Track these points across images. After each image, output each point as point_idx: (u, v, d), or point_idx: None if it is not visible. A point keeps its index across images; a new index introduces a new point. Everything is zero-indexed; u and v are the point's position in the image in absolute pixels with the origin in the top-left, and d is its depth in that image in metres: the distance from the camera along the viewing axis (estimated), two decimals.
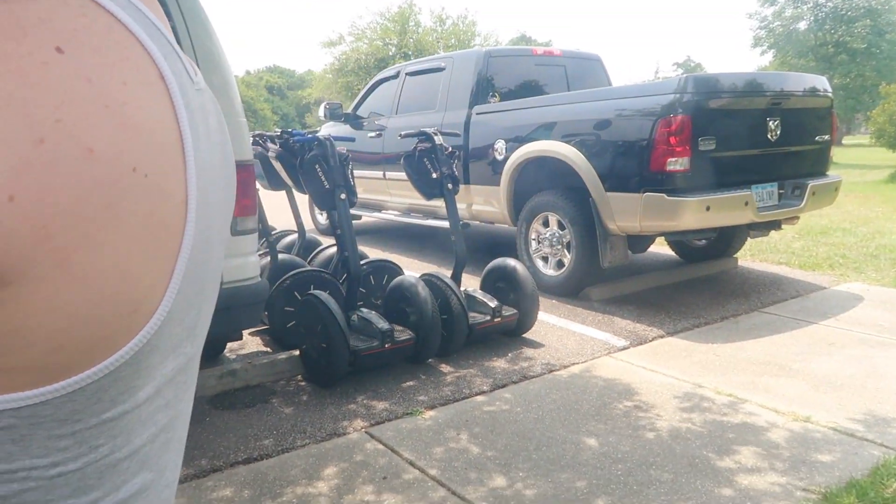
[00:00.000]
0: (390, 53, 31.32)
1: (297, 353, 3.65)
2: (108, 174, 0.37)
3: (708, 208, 4.42)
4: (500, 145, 5.66)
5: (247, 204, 3.14)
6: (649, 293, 5.17)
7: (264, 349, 4.00)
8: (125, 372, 0.41)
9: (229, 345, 3.92)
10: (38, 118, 0.34)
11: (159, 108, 0.41)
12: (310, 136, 4.05)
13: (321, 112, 7.72)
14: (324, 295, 3.51)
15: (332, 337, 3.35)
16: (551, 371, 3.62)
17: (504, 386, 3.42)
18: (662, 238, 5.71)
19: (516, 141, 5.51)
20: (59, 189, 0.35)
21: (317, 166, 3.80)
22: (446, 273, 4.12)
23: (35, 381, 0.37)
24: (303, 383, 3.53)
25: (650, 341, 4.09)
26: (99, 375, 0.39)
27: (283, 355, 3.66)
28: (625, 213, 4.64)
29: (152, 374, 0.44)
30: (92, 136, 0.36)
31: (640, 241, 5.72)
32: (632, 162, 4.62)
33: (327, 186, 3.80)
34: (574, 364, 3.72)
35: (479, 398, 3.29)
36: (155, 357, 0.43)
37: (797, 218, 5.32)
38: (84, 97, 0.37)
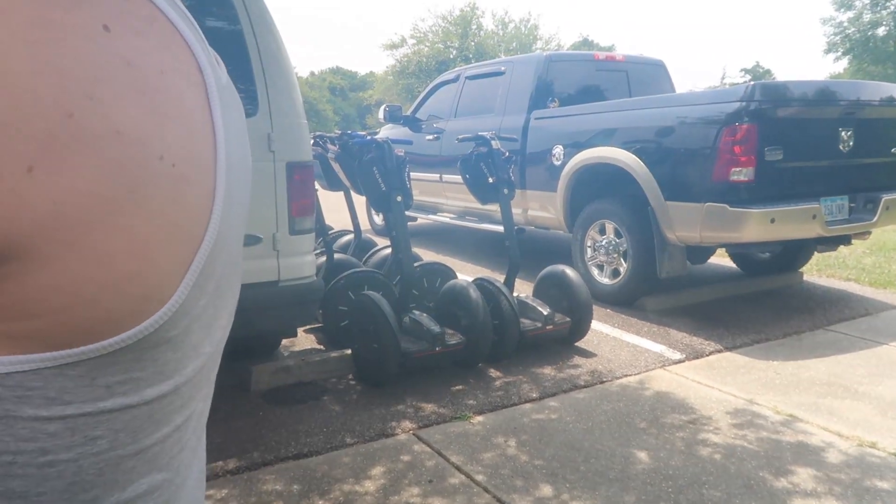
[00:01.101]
0: (451, 56, 31.44)
1: (348, 352, 3.70)
2: (133, 159, 0.36)
3: (772, 221, 4.27)
4: (558, 151, 5.62)
5: (306, 204, 3.20)
6: (707, 306, 5.03)
7: (317, 347, 4.07)
8: (124, 358, 0.39)
9: (284, 341, 4.00)
10: (71, 91, 0.34)
11: (194, 100, 0.41)
12: (368, 138, 4.10)
13: (381, 114, 7.81)
14: (377, 296, 3.55)
15: (384, 338, 3.38)
16: (603, 382, 3.56)
17: (554, 394, 3.39)
18: (723, 249, 5.56)
19: (574, 147, 5.45)
20: (81, 167, 0.34)
21: (374, 168, 3.84)
22: (499, 278, 4.11)
23: (26, 350, 0.36)
24: (353, 382, 3.57)
25: (707, 355, 3.98)
26: (93, 354, 0.38)
27: (335, 354, 3.71)
28: (685, 222, 4.54)
29: (167, 371, 0.42)
30: (122, 119, 0.36)
31: (699, 252, 5.58)
32: (694, 171, 4.52)
33: (384, 188, 3.84)
34: (626, 375, 3.66)
35: (529, 405, 3.26)
36: (168, 353, 0.42)
37: (869, 233, 5.09)
38: (121, 79, 0.36)
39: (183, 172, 0.39)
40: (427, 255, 6.29)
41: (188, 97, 0.41)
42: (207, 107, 0.42)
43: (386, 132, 7.96)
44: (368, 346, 3.50)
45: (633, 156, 4.86)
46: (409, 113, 7.98)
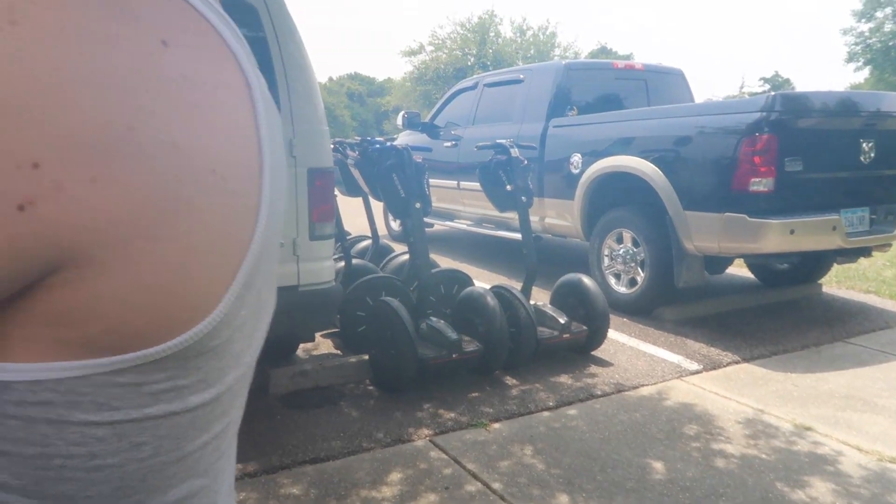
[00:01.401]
0: (469, 63, 31.48)
1: (366, 357, 3.72)
2: (187, 172, 0.37)
3: (792, 232, 4.25)
4: (576, 159, 5.62)
5: (326, 209, 3.23)
6: (725, 316, 5.00)
7: (335, 352, 4.09)
8: (170, 365, 0.40)
9: (302, 345, 4.03)
10: (132, 105, 0.35)
11: (242, 114, 0.42)
12: (388, 145, 4.13)
13: (399, 121, 7.84)
14: (395, 302, 3.57)
15: (401, 344, 3.39)
16: (619, 391, 3.56)
17: (570, 403, 3.39)
18: (741, 259, 5.53)
19: (593, 155, 5.46)
20: (139, 179, 0.35)
21: (393, 175, 3.87)
22: (516, 285, 4.11)
23: (78, 356, 0.37)
24: (370, 388, 3.59)
25: (724, 366, 3.96)
26: (141, 361, 0.39)
27: (352, 359, 3.73)
28: (703, 232, 4.52)
29: (209, 379, 0.43)
30: (179, 133, 0.37)
31: (717, 262, 5.55)
32: (713, 180, 4.51)
33: (403, 195, 3.87)
34: (643, 385, 3.65)
35: (545, 414, 3.26)
36: (211, 361, 0.43)
37: (889, 245, 5.05)
38: (178, 93, 0.37)
39: (232, 186, 0.40)
40: (443, 262, 6.30)
41: (237, 112, 0.42)
42: (254, 121, 0.43)
43: (404, 138, 8.00)
44: (386, 352, 3.52)
45: (652, 165, 4.86)
46: (427, 119, 8.01)
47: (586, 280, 4.20)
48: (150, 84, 0.36)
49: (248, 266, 0.42)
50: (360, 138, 4.62)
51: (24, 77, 0.32)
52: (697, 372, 3.86)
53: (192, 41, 0.40)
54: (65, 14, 0.34)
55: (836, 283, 6.05)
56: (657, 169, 4.82)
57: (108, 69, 0.35)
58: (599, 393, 3.52)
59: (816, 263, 5.59)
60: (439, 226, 7.74)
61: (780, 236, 4.24)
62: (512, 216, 5.44)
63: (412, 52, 33.86)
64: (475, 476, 2.67)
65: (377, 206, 5.31)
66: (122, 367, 0.38)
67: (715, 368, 3.93)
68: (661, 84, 6.90)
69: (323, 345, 4.20)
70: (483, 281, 5.33)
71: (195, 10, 0.41)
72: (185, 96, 0.38)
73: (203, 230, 0.39)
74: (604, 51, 37.80)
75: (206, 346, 0.42)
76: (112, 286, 0.36)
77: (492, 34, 33.29)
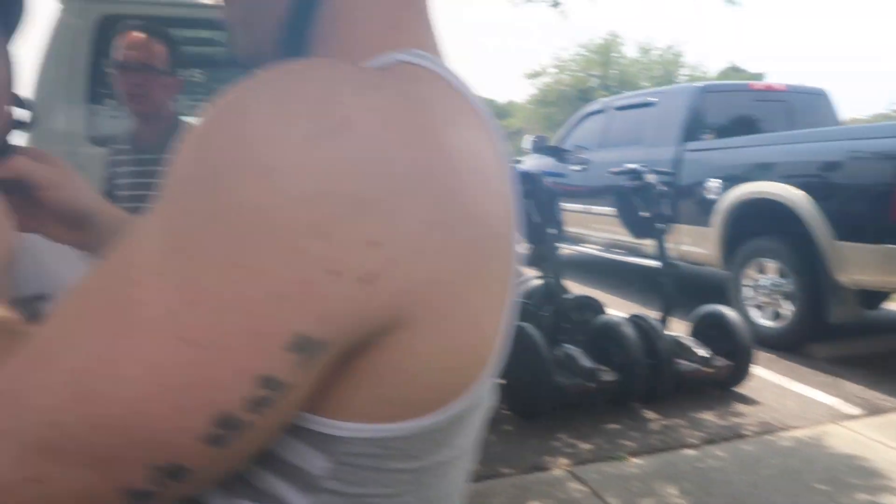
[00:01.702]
0: (593, 85, 31.11)
1: (502, 381, 3.72)
2: (481, 236, 0.41)
3: None
4: (714, 185, 5.41)
5: None
6: (886, 356, 4.60)
7: None
8: (459, 418, 0.44)
9: None
10: (438, 182, 0.39)
11: (505, 179, 0.46)
12: (523, 171, 4.17)
13: (528, 145, 7.87)
14: (530, 327, 3.56)
15: (538, 371, 3.37)
16: (768, 432, 3.35)
17: (715, 442, 3.23)
18: None
19: (732, 181, 5.23)
20: (453, 245, 0.39)
21: (529, 201, 3.88)
22: (647, 313, 3.99)
23: (402, 415, 0.41)
24: (506, 412, 3.58)
25: (887, 412, 3.63)
26: (448, 419, 0.43)
27: None
28: (859, 265, 4.21)
29: (471, 423, 0.47)
30: (473, 202, 0.41)
31: (872, 297, 5.13)
32: (868, 209, 4.20)
33: (536, 220, 3.87)
34: (795, 428, 3.41)
35: (689, 452, 3.13)
36: (473, 408, 0.46)
37: None
38: (467, 166, 0.41)
39: (503, 245, 0.44)
40: (572, 287, 6.21)
41: (502, 176, 0.46)
42: (508, 181, 0.47)
43: (531, 162, 8.02)
44: (521, 378, 3.50)
45: (798, 191, 4.59)
46: (554, 143, 8.00)
47: (729, 312, 4.01)
48: (450, 161, 0.40)
49: (507, 317, 0.47)
50: None
51: (365, 171, 0.37)
52: (856, 417, 3.56)
53: (465, 120, 0.45)
54: (385, 114, 0.39)
55: None
56: (804, 196, 4.54)
57: (422, 155, 0.39)
58: (747, 433, 3.33)
59: None
60: (566, 249, 7.66)
61: None
62: (643, 242, 5.30)
63: (535, 75, 33.94)
64: None
65: None
66: (440, 426, 0.43)
67: (877, 414, 3.61)
68: (802, 105, 6.52)
69: None
70: (613, 308, 5.20)
71: (457, 92, 0.46)
72: (473, 168, 0.42)
73: (489, 287, 0.43)
74: (734, 70, 36.17)
75: (478, 397, 0.46)
76: (433, 345, 0.40)
77: (614, 55, 32.76)
